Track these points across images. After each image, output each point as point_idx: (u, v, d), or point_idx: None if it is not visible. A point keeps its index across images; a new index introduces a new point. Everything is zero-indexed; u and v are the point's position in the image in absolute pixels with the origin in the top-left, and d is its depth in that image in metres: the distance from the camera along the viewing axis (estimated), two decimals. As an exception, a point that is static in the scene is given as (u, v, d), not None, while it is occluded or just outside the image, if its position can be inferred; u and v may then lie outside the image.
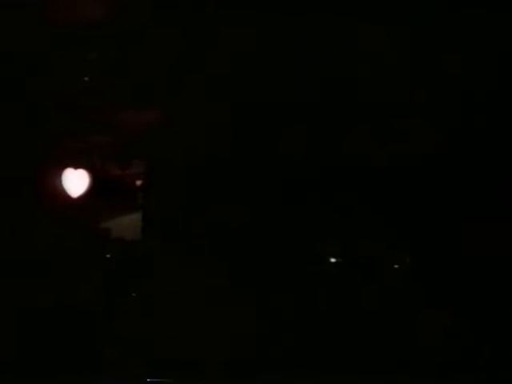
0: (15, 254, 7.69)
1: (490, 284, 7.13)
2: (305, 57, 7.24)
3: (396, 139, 7.39)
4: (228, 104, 7.59)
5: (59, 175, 7.95)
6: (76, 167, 8.00)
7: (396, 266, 7.60)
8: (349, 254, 7.64)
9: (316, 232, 7.57)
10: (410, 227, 7.42)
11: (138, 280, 7.85)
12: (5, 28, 7.09)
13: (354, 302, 7.31)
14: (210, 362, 6.94)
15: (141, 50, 7.48)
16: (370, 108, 7.40)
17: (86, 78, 7.61)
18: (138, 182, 8.26)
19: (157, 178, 8.16)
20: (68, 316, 7.47)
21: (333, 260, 7.76)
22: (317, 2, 6.95)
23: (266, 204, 7.62)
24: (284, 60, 7.27)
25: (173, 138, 7.92)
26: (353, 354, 7.02)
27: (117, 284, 7.84)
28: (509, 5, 6.77)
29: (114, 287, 7.80)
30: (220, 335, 7.16)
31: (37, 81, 7.51)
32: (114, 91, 7.64)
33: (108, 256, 8.10)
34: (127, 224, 8.35)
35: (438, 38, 7.10)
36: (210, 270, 7.51)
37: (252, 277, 7.49)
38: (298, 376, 6.66)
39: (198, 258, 7.63)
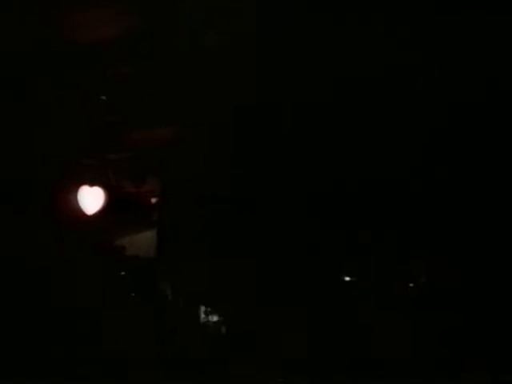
0: (31, 268, 7.76)
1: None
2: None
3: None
4: (243, 122, 7.61)
5: (75, 192, 7.98)
6: (91, 184, 8.03)
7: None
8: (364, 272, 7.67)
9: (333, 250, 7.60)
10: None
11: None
12: (23, 44, 7.13)
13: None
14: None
15: (156, 69, 7.50)
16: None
17: (103, 97, 7.64)
18: (153, 200, 8.29)
19: (171, 195, 8.19)
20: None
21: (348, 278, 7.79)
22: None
23: (281, 220, 7.64)
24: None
25: (188, 155, 7.95)
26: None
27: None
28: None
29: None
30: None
31: (53, 99, 7.54)
32: (130, 109, 7.68)
33: (122, 273, 8.15)
34: (142, 241, 8.39)
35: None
36: (227, 285, 7.55)
37: (268, 289, 7.53)
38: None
39: (214, 273, 7.68)
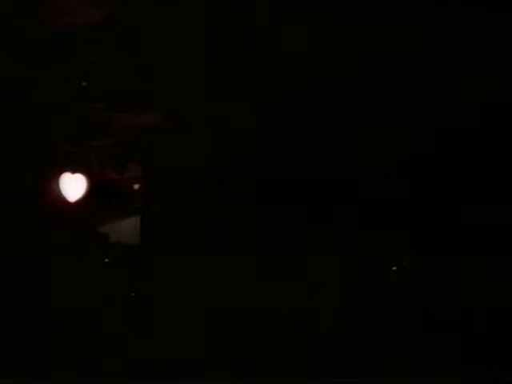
0: (13, 257, 7.71)
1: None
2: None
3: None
4: (226, 107, 7.60)
5: (57, 179, 7.94)
6: (73, 171, 7.99)
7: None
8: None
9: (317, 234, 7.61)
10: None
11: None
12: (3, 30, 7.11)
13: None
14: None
15: (137, 54, 7.49)
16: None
17: (84, 82, 7.60)
18: (136, 186, 8.25)
19: (155, 181, 8.16)
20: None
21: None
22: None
23: (265, 205, 7.63)
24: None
25: (170, 142, 7.93)
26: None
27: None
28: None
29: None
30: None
31: (34, 85, 7.51)
32: (112, 95, 7.65)
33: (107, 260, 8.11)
34: (125, 228, 8.35)
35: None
36: (210, 272, 7.54)
37: (252, 274, 7.54)
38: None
39: (196, 259, 7.67)
